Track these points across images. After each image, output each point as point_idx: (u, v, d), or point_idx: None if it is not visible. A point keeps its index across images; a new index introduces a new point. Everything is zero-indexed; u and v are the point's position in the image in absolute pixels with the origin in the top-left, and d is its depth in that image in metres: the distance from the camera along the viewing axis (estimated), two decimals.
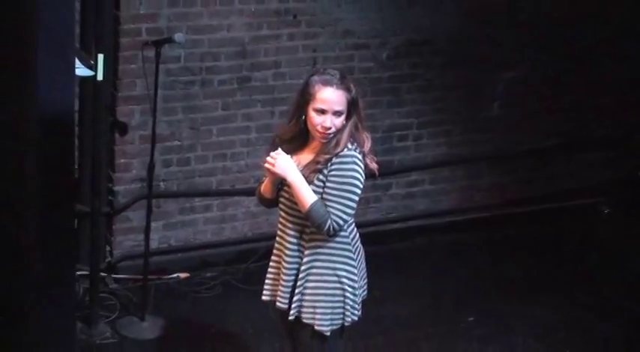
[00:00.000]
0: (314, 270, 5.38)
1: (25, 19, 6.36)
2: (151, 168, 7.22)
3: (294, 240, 5.39)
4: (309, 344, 5.49)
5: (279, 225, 5.50)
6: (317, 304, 5.38)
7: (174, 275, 8.02)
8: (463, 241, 8.98)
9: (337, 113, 5.22)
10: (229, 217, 8.27)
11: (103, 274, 7.61)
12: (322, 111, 5.21)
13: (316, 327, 5.38)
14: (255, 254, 8.21)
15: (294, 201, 5.32)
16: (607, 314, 7.94)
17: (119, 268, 7.86)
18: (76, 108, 7.09)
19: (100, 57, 6.96)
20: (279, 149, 5.32)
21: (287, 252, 5.41)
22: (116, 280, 7.81)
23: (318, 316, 5.38)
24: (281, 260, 5.46)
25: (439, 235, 9.03)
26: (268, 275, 5.58)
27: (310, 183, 5.25)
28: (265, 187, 5.45)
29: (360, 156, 5.29)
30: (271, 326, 7.36)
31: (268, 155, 5.33)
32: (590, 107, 9.46)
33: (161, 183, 7.87)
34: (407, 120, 8.81)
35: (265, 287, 5.58)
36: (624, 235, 9.25)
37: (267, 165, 5.30)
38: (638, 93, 9.53)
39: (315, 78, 5.28)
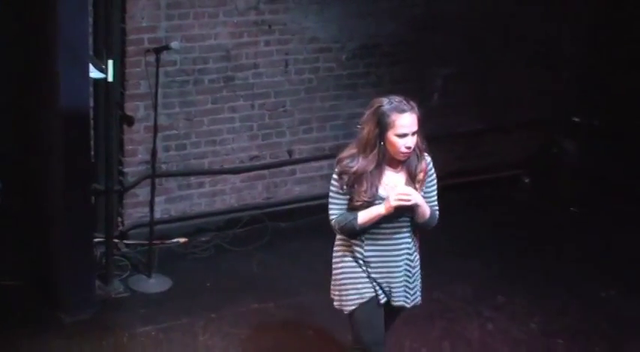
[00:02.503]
0: (417, 263, 5.36)
1: (48, 34, 6.43)
2: (153, 152, 7.29)
3: (407, 243, 5.22)
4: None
5: (383, 237, 5.17)
6: (419, 288, 5.42)
7: (175, 240, 8.02)
8: None
9: (414, 133, 5.04)
10: (219, 192, 8.29)
11: (116, 240, 7.60)
12: (404, 135, 5.00)
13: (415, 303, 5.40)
14: (241, 221, 8.30)
15: (402, 213, 5.11)
16: (527, 258, 8.06)
17: (129, 235, 7.86)
18: (91, 104, 7.14)
19: (110, 62, 6.97)
20: (403, 185, 5.06)
21: (401, 253, 5.20)
22: (127, 245, 7.80)
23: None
24: (390, 262, 5.20)
25: None
26: (362, 280, 5.23)
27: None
28: (372, 220, 5.08)
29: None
30: (255, 279, 7.48)
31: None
32: (512, 96, 9.53)
33: (162, 165, 7.89)
34: (363, 109, 8.80)
35: (366, 286, 5.22)
36: (541, 198, 9.36)
37: (401, 202, 5.00)
38: (548, 84, 9.61)
39: (387, 107, 5.01)
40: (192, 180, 8.15)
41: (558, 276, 7.80)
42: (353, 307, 5.25)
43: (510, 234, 8.58)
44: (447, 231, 8.37)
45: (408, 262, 5.25)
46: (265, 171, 8.47)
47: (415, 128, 5.02)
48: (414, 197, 5.02)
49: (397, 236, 5.18)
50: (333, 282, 5.38)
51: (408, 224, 5.19)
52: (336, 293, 5.35)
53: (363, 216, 5.09)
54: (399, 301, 5.26)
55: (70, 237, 6.63)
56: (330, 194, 5.19)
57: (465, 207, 8.97)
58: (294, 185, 8.66)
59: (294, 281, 7.49)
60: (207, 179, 8.21)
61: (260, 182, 8.48)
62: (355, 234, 5.14)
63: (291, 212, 8.60)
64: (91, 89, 7.01)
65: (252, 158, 8.37)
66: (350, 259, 5.23)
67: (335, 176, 5.15)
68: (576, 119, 9.76)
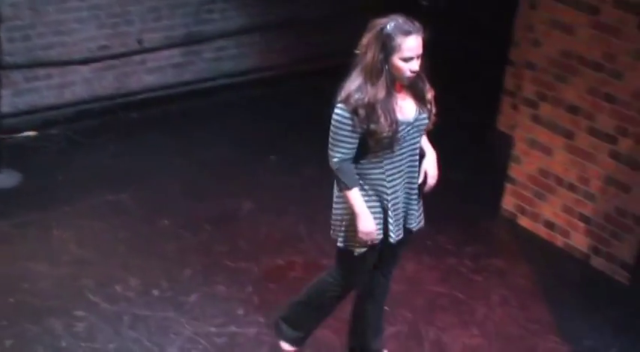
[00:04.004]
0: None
1: None
2: None
3: (417, 161, 4.98)
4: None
5: (399, 164, 4.87)
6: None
7: (24, 133, 7.91)
8: (264, 95, 9.06)
9: (419, 56, 4.67)
10: (68, 83, 8.16)
11: None
12: (409, 59, 4.64)
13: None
14: (92, 113, 8.21)
15: (413, 133, 4.85)
16: None
17: None
18: None
19: None
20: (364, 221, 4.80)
21: (415, 172, 4.96)
22: None
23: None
24: (408, 184, 4.95)
25: (244, 90, 9.08)
26: (398, 217, 4.97)
27: (422, 114, 4.85)
28: (352, 207, 4.85)
29: None
30: (108, 170, 7.44)
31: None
32: None
33: (7, 57, 7.69)
34: None
35: (392, 228, 4.95)
36: None
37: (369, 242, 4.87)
38: None
39: (392, 29, 4.60)
40: (40, 72, 7.98)
41: None
42: (365, 249, 4.97)
43: None
44: (296, 118, 8.55)
45: (417, 181, 5.02)
46: (115, 61, 8.36)
47: (421, 51, 4.65)
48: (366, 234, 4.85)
49: (413, 156, 4.93)
50: (339, 220, 5.00)
51: (419, 141, 4.95)
52: (344, 232, 4.98)
53: (354, 197, 4.81)
54: (416, 224, 5.09)
55: None
56: (338, 132, 4.73)
57: (312, 94, 8.99)
58: (145, 74, 8.58)
59: (148, 172, 7.50)
60: (55, 71, 8.06)
61: (110, 72, 8.37)
62: (340, 189, 4.88)
63: (143, 102, 8.54)
64: None
65: (101, 48, 8.23)
66: (362, 193, 4.85)
67: (346, 114, 4.68)
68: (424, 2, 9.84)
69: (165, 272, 6.26)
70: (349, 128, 4.70)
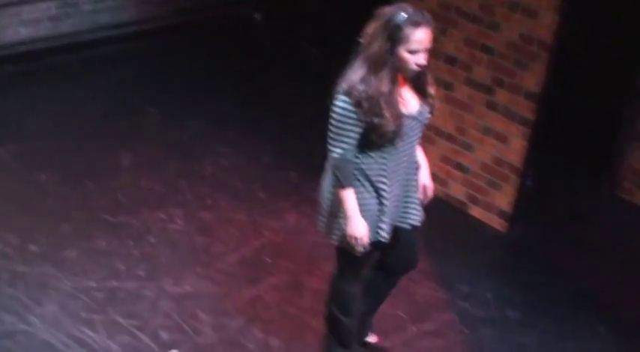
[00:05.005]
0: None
1: None
2: None
3: (415, 155, 4.80)
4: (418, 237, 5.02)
5: (399, 160, 4.65)
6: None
7: None
8: (144, 48, 8.98)
9: (427, 49, 4.43)
10: None
11: None
12: (416, 51, 4.39)
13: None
14: None
15: (415, 128, 4.62)
16: (260, 96, 8.25)
17: None
18: None
19: None
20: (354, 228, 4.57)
21: (414, 168, 4.80)
22: None
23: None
24: (408, 180, 4.76)
25: (122, 43, 8.98)
26: (392, 216, 4.74)
27: (424, 109, 4.63)
28: (343, 203, 4.61)
29: None
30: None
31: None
32: None
33: None
34: None
35: (384, 227, 4.70)
36: (271, 35, 9.51)
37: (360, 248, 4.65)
38: None
39: (401, 19, 4.33)
40: None
41: (292, 110, 8.05)
42: (368, 248, 4.72)
43: (243, 73, 8.72)
44: (178, 72, 8.51)
45: (416, 177, 4.86)
46: None
47: (429, 44, 4.41)
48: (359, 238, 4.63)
49: (412, 152, 4.74)
50: (332, 217, 4.74)
51: (419, 137, 4.75)
52: (340, 231, 4.70)
53: (347, 199, 4.58)
54: (415, 219, 4.87)
55: None
56: (340, 125, 4.45)
57: (194, 47, 9.02)
58: (20, 27, 8.40)
59: (25, 126, 7.37)
60: None
61: None
62: (334, 185, 4.63)
63: (19, 55, 8.37)
64: None
65: None
66: (362, 190, 4.62)
67: (349, 107, 4.40)
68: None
69: (43, 228, 6.19)
70: (353, 121, 4.42)
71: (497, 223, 6.81)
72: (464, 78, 6.77)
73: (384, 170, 4.60)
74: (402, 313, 5.81)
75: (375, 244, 4.72)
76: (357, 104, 4.38)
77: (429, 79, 4.64)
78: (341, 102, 4.42)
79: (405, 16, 4.32)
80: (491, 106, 6.66)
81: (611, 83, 7.10)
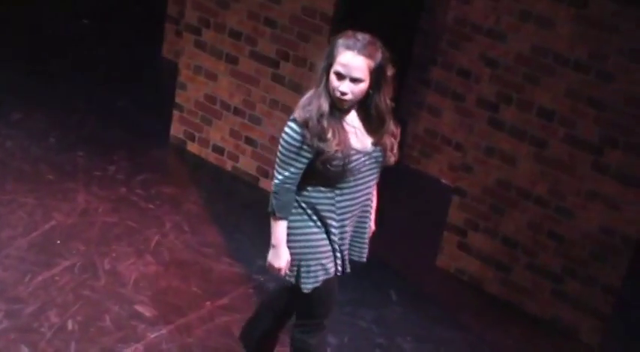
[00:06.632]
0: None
1: None
2: None
3: (371, 193, 4.59)
4: None
5: (352, 199, 4.44)
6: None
7: None
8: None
9: (355, 80, 4.21)
10: None
11: None
12: (340, 76, 4.21)
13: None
14: None
15: (371, 166, 4.43)
16: (44, 73, 8.11)
17: None
18: None
19: None
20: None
21: (370, 215, 4.62)
22: None
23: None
24: (363, 224, 4.59)
25: None
26: (346, 251, 4.57)
27: (377, 148, 4.41)
28: (274, 233, 4.46)
29: None
30: None
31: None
32: None
33: None
34: None
35: (347, 263, 4.58)
36: (51, 10, 9.32)
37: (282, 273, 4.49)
38: None
39: (340, 41, 4.22)
40: None
41: (77, 90, 7.94)
42: (316, 285, 4.54)
43: (21, 47, 8.53)
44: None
45: (369, 220, 4.69)
46: None
47: (358, 75, 4.19)
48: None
49: (369, 194, 4.55)
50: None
51: (376, 178, 4.55)
52: (292, 268, 4.53)
53: (278, 229, 4.45)
54: (362, 257, 4.71)
55: None
56: (285, 148, 4.29)
57: None
58: None
59: None
60: None
61: None
62: (269, 209, 4.44)
63: None
64: None
65: None
66: (311, 225, 4.45)
67: (296, 127, 4.26)
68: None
69: None
70: (299, 144, 4.26)
71: None
72: (249, 51, 6.86)
73: (333, 205, 4.42)
74: (197, 289, 5.87)
75: (328, 282, 4.56)
76: (304, 124, 4.24)
77: (390, 123, 4.41)
78: (289, 125, 4.29)
79: (348, 38, 4.23)
80: (277, 79, 6.79)
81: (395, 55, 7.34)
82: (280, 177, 4.34)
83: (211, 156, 7.27)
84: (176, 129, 7.41)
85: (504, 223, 6.19)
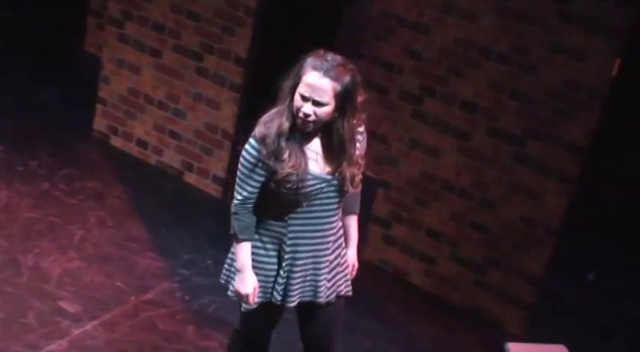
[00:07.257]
0: (343, 251, 4.50)
1: None
2: None
3: (336, 230, 4.39)
4: (340, 312, 4.60)
5: (304, 225, 4.26)
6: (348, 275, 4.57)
7: None
8: None
9: (318, 103, 4.04)
10: None
11: None
12: (304, 98, 4.04)
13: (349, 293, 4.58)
14: None
15: (329, 194, 4.24)
16: None
17: None
18: None
19: None
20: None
21: (329, 246, 4.36)
22: None
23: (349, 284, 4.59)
24: (319, 257, 4.35)
25: None
26: (293, 282, 4.33)
27: (336, 176, 4.22)
28: (239, 258, 4.28)
29: None
30: None
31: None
32: None
33: None
34: None
35: (292, 294, 4.34)
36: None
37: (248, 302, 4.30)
38: None
39: (309, 60, 4.06)
40: None
41: None
42: (254, 306, 4.37)
43: None
44: None
45: (337, 248, 4.45)
46: None
47: (321, 98, 4.02)
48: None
49: (326, 224, 4.33)
50: (229, 266, 4.45)
51: (336, 208, 4.35)
52: (232, 282, 4.41)
53: (241, 252, 4.28)
54: (325, 297, 4.44)
55: None
56: (242, 166, 4.17)
57: None
58: None
59: None
60: None
61: None
62: (231, 232, 4.29)
63: None
64: None
65: None
66: (259, 246, 4.31)
67: (254, 143, 4.13)
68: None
69: None
70: (254, 160, 4.13)
71: (212, 189, 6.95)
72: (172, 44, 6.83)
73: (284, 228, 4.27)
74: (121, 284, 5.85)
75: (268, 306, 4.40)
76: (262, 140, 4.10)
77: (352, 153, 4.23)
78: (247, 144, 4.17)
79: (316, 59, 4.07)
80: (202, 73, 6.77)
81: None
82: (239, 197, 4.21)
83: (135, 150, 7.22)
84: (99, 123, 7.36)
85: (428, 215, 6.25)
